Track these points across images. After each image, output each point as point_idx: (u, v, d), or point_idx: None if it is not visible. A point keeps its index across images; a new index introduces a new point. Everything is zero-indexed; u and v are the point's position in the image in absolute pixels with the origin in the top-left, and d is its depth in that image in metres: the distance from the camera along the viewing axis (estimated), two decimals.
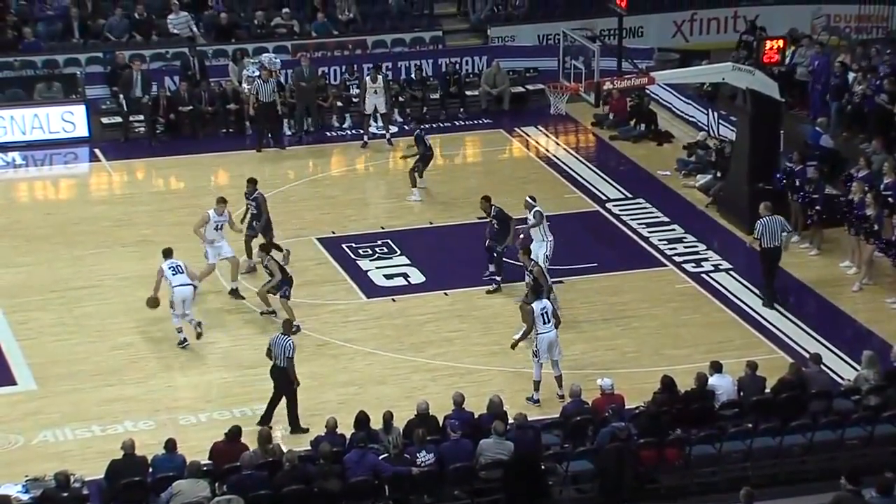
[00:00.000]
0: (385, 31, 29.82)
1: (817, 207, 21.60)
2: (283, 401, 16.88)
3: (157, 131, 26.63)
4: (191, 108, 26.68)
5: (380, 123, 26.67)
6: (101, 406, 17.54)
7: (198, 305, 19.58)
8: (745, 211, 22.56)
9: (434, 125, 27.58)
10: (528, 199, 20.31)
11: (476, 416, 15.66)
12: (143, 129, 26.57)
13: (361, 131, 26.55)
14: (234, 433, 15.17)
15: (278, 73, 26.93)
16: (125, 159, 25.86)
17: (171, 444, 15.02)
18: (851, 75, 25.48)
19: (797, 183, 21.94)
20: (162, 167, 25.61)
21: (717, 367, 16.54)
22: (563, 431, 15.65)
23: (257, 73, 26.40)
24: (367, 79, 26.30)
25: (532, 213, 20.07)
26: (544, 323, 17.30)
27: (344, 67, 28.15)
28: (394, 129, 27.20)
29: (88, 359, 18.70)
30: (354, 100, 27.51)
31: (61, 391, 17.91)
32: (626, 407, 16.07)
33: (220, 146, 26.38)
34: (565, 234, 22.41)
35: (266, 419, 16.77)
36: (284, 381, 16.78)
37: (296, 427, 16.72)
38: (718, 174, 23.88)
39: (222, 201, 20.46)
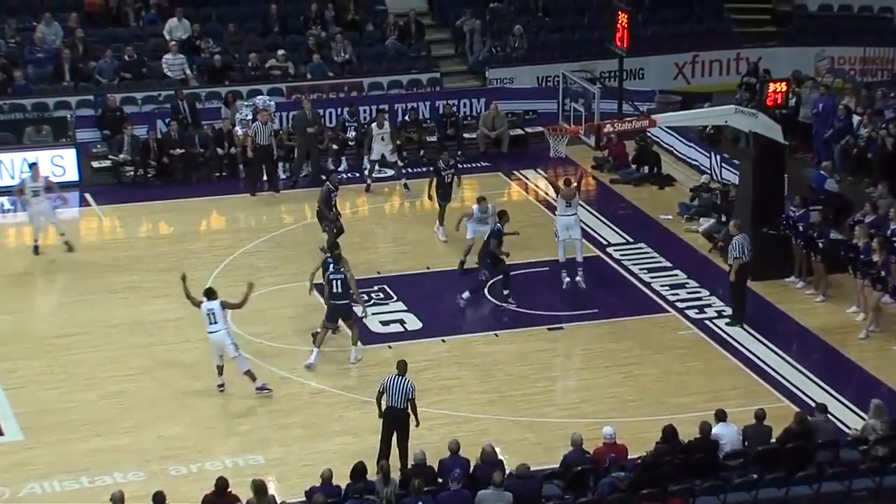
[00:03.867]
0: (381, 72, 30.02)
1: (820, 253, 21.70)
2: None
3: (149, 175, 26.76)
4: (182, 151, 26.85)
5: (389, 171, 26.76)
6: (90, 457, 17.51)
7: (183, 354, 19.63)
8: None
9: (431, 168, 27.71)
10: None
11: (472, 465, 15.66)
12: (133, 172, 26.69)
13: (366, 173, 26.50)
14: (221, 486, 15.07)
15: (273, 115, 27.12)
16: (116, 203, 25.98)
17: (159, 497, 14.96)
18: (856, 118, 25.67)
19: (801, 228, 22.05)
20: (154, 211, 25.70)
21: (721, 416, 16.55)
22: (563, 482, 15.64)
23: (251, 116, 26.57)
24: (374, 125, 26.38)
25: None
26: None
27: (340, 110, 28.32)
28: (390, 171, 27.34)
29: (77, 408, 18.69)
30: (351, 143, 27.69)
31: (49, 441, 17.88)
32: (629, 457, 16.07)
33: (213, 190, 26.50)
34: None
35: (385, 453, 16.53)
36: (404, 423, 16.63)
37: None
38: (723, 218, 24.00)
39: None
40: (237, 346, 18.86)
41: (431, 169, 24.32)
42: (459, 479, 15.04)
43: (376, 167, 26.36)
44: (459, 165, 25.45)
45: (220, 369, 18.93)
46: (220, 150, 27.10)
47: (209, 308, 18.76)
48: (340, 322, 19.76)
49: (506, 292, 21.54)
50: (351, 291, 19.55)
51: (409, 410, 16.77)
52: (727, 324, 20.93)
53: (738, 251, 20.58)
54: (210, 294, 18.90)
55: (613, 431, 16.18)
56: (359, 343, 19.88)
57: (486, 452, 15.72)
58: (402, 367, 17.06)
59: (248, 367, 18.89)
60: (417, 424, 16.87)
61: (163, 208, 25.78)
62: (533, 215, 25.61)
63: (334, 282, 19.40)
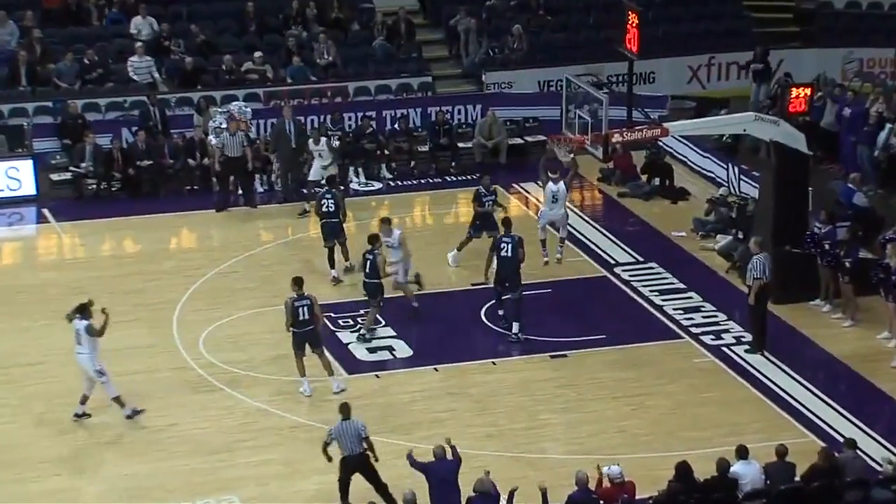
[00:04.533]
0: (368, 76, 30.13)
1: (848, 273, 21.77)
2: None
3: (113, 188, 26.78)
4: (150, 162, 26.89)
5: (376, 184, 26.78)
6: (48, 498, 17.48)
7: (152, 384, 19.66)
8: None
9: (422, 181, 27.83)
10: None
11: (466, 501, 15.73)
12: (96, 186, 26.71)
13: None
14: None
15: (248, 123, 27.17)
16: (77, 220, 25.98)
17: None
18: (888, 126, 25.76)
19: (827, 246, 22.12)
20: (119, 228, 25.71)
21: (742, 453, 16.56)
22: None
23: (225, 125, 26.63)
24: (310, 140, 25.80)
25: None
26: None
27: (322, 117, 28.39)
28: (378, 185, 27.43)
29: (34, 444, 18.67)
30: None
31: (3, 481, 17.86)
32: (638, 496, 16.08)
33: (184, 205, 26.54)
34: (569, 303, 22.55)
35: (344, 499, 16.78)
36: (368, 466, 16.81)
37: None
38: (740, 235, 24.07)
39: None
40: (102, 372, 18.80)
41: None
42: None
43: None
44: (453, 178, 25.42)
45: (84, 399, 18.88)
46: (191, 161, 27.17)
47: (76, 328, 18.84)
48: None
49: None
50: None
51: (368, 450, 16.86)
52: (746, 351, 20.99)
53: (759, 271, 20.65)
54: (82, 311, 18.87)
55: (621, 470, 16.19)
56: (334, 373, 19.92)
57: (482, 482, 15.78)
58: (345, 410, 17.13)
59: (116, 393, 18.90)
60: (377, 460, 16.92)
61: (128, 225, 25.80)
62: (533, 232, 25.61)
63: (300, 309, 19.47)
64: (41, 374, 20.43)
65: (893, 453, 17.75)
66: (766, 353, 21.03)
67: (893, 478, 16.71)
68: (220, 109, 27.53)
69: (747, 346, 21.07)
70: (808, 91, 23.37)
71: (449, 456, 16.22)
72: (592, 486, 16.06)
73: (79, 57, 28.83)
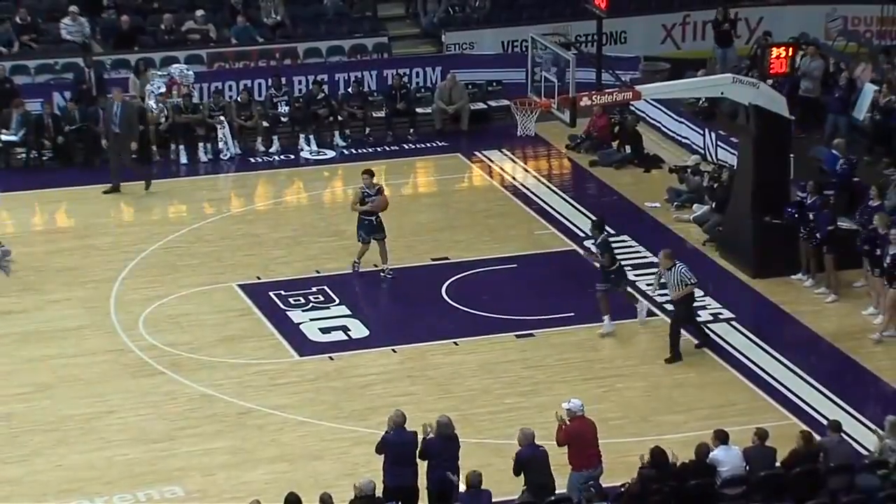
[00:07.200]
0: (319, 36, 30.00)
1: (830, 245, 21.76)
2: None
3: (44, 158, 26.58)
4: (83, 128, 26.65)
5: (329, 153, 26.71)
6: None
7: (88, 368, 19.55)
8: (748, 249, 22.78)
9: (378, 149, 27.75)
10: None
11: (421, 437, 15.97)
12: (26, 155, 26.51)
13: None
14: None
15: (192, 87, 27.05)
16: (5, 191, 25.76)
17: None
18: (871, 87, 25.86)
19: (810, 216, 22.17)
20: (50, 201, 25.54)
21: (722, 438, 16.55)
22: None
23: (164, 89, 26.46)
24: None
25: None
26: None
27: (270, 81, 28.25)
28: (331, 153, 27.35)
29: None
30: (283, 119, 27.65)
31: None
32: (610, 484, 16.13)
33: (122, 175, 26.32)
34: (536, 278, 22.56)
35: None
36: None
37: None
38: (714, 206, 24.11)
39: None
40: None
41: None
42: None
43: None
44: (411, 145, 25.36)
45: None
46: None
47: None
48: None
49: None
50: None
51: None
52: (667, 360, 20.37)
53: (687, 278, 20.19)
54: None
55: (581, 404, 16.34)
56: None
57: (441, 424, 16.01)
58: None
59: None
60: None
61: (61, 196, 25.63)
62: (497, 203, 25.66)
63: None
64: None
65: (879, 436, 17.81)
66: (746, 331, 21.11)
67: (880, 462, 16.80)
68: (159, 73, 27.33)
69: (667, 357, 20.59)
70: (790, 51, 23.41)
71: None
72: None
73: (7, 15, 28.54)
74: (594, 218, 21.40)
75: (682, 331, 20.51)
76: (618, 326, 21.04)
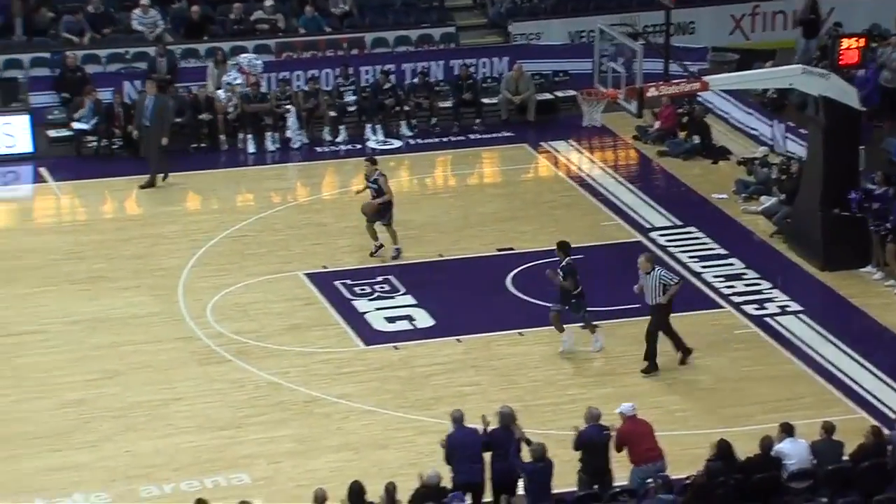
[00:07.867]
0: (387, 26, 30.04)
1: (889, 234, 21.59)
2: None
3: (114, 147, 26.80)
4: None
5: (395, 143, 26.81)
6: (46, 475, 17.54)
7: (156, 356, 19.72)
8: (817, 242, 22.60)
9: (444, 139, 27.77)
10: None
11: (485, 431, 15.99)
12: (97, 143, 26.73)
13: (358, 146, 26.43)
14: None
15: (260, 77, 27.20)
16: (76, 179, 26.01)
17: None
18: None
19: (879, 209, 21.96)
20: (120, 189, 25.73)
21: (788, 430, 16.49)
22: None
23: (239, 80, 26.64)
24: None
25: None
26: None
27: (337, 71, 28.34)
28: (397, 143, 27.39)
29: (30, 419, 18.72)
30: (350, 109, 27.73)
31: None
32: (675, 476, 16.08)
33: (190, 164, 26.53)
34: (602, 269, 22.50)
35: None
36: None
37: None
38: (783, 197, 23.95)
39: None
40: None
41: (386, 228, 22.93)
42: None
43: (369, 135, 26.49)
44: (477, 136, 25.29)
45: None
46: (200, 117, 27.14)
47: None
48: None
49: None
50: None
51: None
52: (643, 371, 19.96)
53: (669, 280, 19.70)
54: None
55: (633, 406, 16.34)
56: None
57: (504, 415, 16.02)
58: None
59: None
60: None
61: (131, 185, 25.78)
62: (563, 194, 25.61)
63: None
64: (38, 343, 20.48)
65: None
66: (814, 324, 20.95)
67: None
68: (231, 62, 27.50)
69: (680, 357, 20.06)
70: (863, 42, 23.17)
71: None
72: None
73: (76, 4, 28.73)
74: (560, 241, 20.65)
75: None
76: (678, 319, 20.56)
